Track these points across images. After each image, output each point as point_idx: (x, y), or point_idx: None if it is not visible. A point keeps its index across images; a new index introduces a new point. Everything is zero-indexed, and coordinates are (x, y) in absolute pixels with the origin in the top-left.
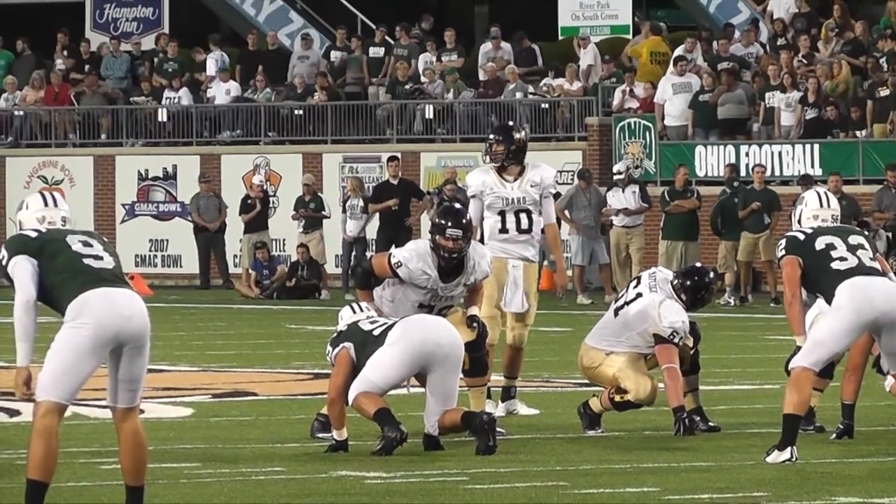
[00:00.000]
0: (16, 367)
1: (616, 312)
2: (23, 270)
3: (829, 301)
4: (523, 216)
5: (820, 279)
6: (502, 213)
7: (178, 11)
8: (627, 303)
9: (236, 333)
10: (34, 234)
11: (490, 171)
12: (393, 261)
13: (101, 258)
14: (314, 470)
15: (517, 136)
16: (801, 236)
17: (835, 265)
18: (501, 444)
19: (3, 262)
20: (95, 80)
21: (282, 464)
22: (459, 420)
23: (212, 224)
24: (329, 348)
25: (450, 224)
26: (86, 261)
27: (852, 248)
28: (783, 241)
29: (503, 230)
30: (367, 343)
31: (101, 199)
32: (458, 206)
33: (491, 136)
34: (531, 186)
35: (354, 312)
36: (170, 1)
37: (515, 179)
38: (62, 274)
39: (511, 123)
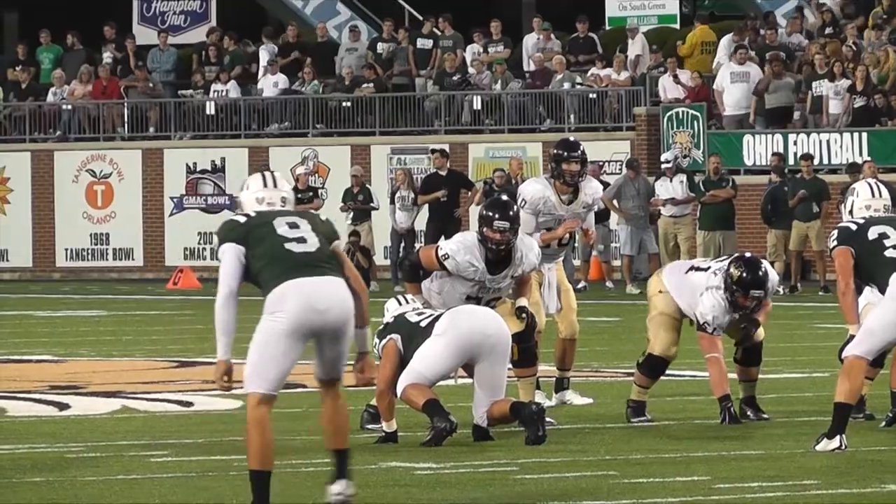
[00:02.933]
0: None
1: (690, 268)
2: (227, 261)
3: (882, 290)
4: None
5: (873, 268)
6: (549, 230)
7: (225, 4)
8: (698, 269)
9: None
10: (242, 220)
11: (550, 187)
12: (440, 253)
13: (304, 241)
14: (364, 461)
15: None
16: (854, 226)
17: (888, 253)
18: (551, 433)
19: (216, 249)
20: (145, 74)
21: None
22: (508, 411)
23: None
24: (376, 340)
25: (497, 216)
26: (287, 245)
27: None
28: (835, 232)
29: (546, 245)
30: (414, 334)
31: (150, 192)
32: (505, 197)
33: (564, 153)
34: (583, 208)
35: (400, 304)
36: None
37: (570, 201)
38: (263, 260)
39: (576, 140)
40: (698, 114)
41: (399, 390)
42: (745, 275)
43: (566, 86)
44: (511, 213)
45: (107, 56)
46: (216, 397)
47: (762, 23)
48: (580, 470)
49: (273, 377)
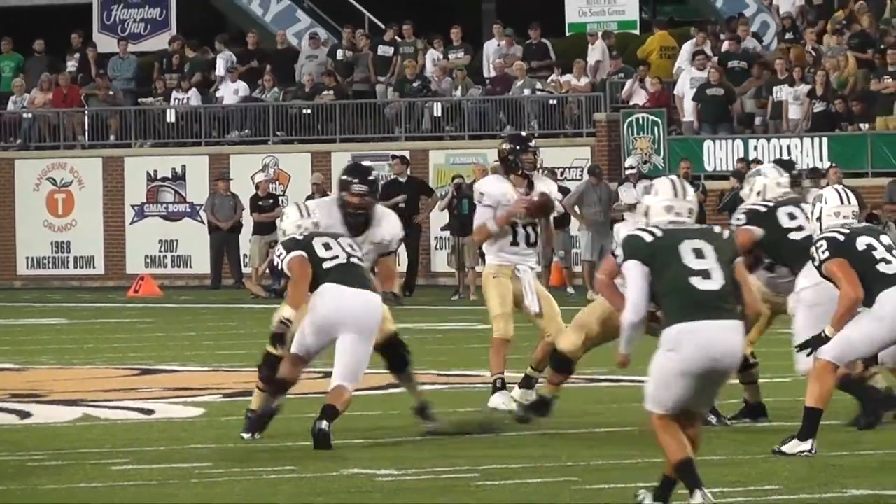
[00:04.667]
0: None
1: None
2: (634, 280)
3: (869, 303)
4: (530, 230)
5: (863, 282)
6: (513, 225)
7: (185, 12)
8: None
9: (247, 333)
10: (649, 239)
11: (506, 180)
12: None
13: (709, 276)
14: (325, 468)
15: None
16: (841, 237)
17: (880, 268)
18: (513, 439)
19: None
20: (106, 82)
21: (293, 462)
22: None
23: (225, 223)
24: (281, 250)
25: (356, 181)
26: (692, 280)
27: (888, 249)
28: (823, 243)
29: (514, 243)
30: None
31: (111, 200)
32: (366, 163)
33: (517, 146)
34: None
35: (301, 215)
36: (177, 2)
37: (526, 194)
38: (665, 287)
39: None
40: (659, 119)
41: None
42: None
43: (526, 92)
44: (370, 177)
45: (71, 64)
46: (177, 405)
47: (723, 27)
48: (541, 476)
49: (670, 405)
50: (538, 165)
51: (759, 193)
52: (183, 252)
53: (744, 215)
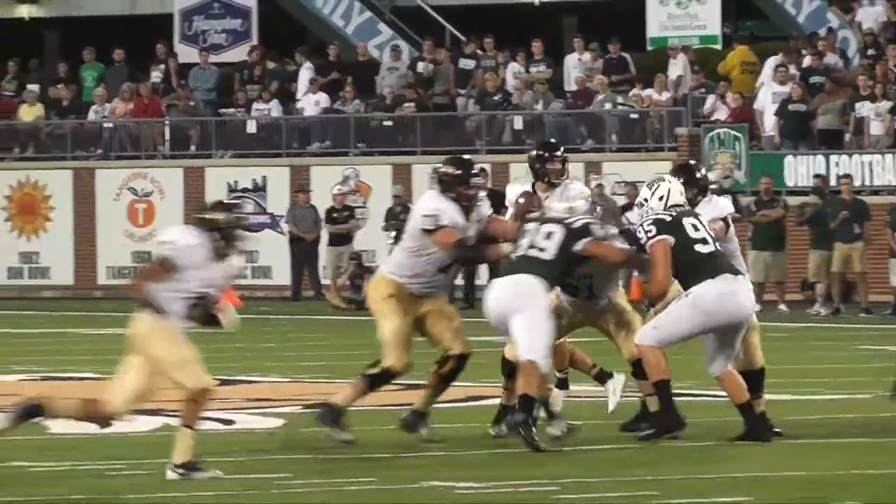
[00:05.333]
0: None
1: None
2: None
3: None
4: None
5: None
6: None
7: (266, 23)
8: None
9: (327, 344)
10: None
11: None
12: (439, 223)
13: None
14: (405, 479)
15: None
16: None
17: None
18: (591, 453)
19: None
20: (187, 92)
21: (373, 474)
22: None
23: (308, 235)
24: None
25: (472, 174)
26: None
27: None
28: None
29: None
30: None
31: (191, 210)
32: (466, 156)
33: (546, 153)
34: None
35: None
36: (259, 13)
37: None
38: None
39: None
40: (740, 135)
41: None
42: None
43: (607, 106)
44: (475, 169)
45: (155, 75)
46: (257, 416)
47: (804, 43)
48: (620, 490)
49: None
50: (566, 175)
51: (661, 199)
52: (263, 263)
53: (653, 226)
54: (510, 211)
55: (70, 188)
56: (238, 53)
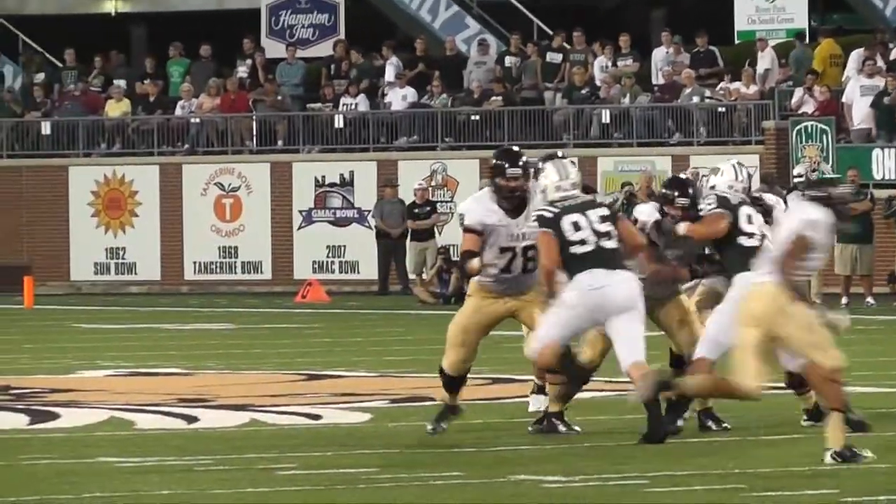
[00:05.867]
0: None
1: None
2: None
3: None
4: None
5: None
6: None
7: (353, 18)
8: None
9: (414, 339)
10: None
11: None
12: (463, 224)
13: None
14: (492, 474)
15: None
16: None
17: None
18: (679, 446)
19: None
20: (274, 87)
21: (460, 468)
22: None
23: (395, 230)
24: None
25: (508, 164)
26: None
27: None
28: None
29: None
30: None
31: (279, 205)
32: (515, 147)
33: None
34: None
35: (560, 177)
36: (346, 8)
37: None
38: None
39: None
40: (827, 127)
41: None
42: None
43: (695, 99)
44: (521, 161)
45: (242, 70)
46: (344, 410)
47: (891, 36)
48: (709, 483)
49: None
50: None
51: (542, 192)
52: (350, 258)
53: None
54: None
55: (156, 184)
56: (325, 48)
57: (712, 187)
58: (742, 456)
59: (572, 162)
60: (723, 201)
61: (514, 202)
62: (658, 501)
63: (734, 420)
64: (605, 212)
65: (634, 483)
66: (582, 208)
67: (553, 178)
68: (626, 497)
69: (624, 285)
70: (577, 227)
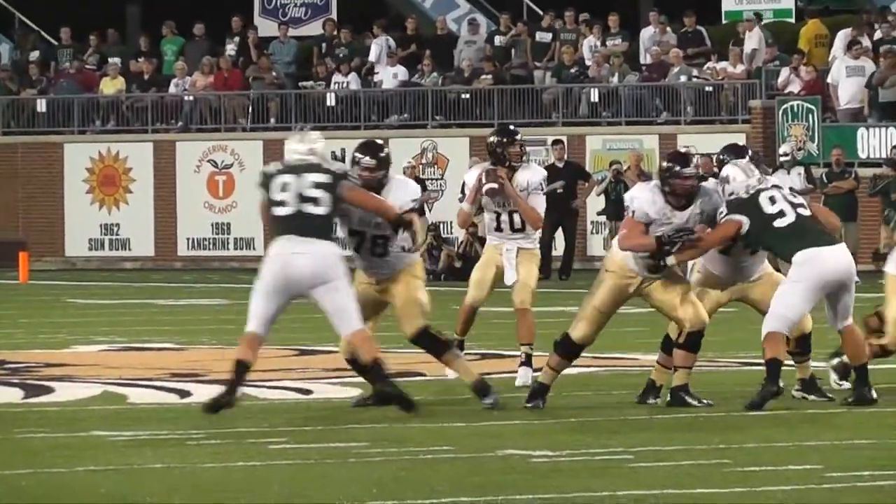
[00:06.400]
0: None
1: None
2: None
3: None
4: (516, 216)
5: None
6: (497, 213)
7: None
8: None
9: None
10: None
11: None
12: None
13: None
14: (481, 448)
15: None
16: None
17: None
18: (665, 422)
19: None
20: (269, 63)
21: (449, 443)
22: None
23: None
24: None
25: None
26: None
27: None
28: None
29: (498, 228)
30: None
31: None
32: (378, 141)
33: (504, 139)
34: (521, 190)
35: (747, 175)
36: None
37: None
38: None
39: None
40: (813, 107)
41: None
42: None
43: (682, 79)
44: (380, 154)
45: (230, 48)
46: (336, 385)
47: (877, 17)
48: (694, 458)
49: None
50: (524, 157)
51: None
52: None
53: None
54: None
55: (150, 161)
56: (317, 27)
57: (731, 194)
58: (727, 430)
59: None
60: (734, 206)
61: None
62: (643, 476)
63: (720, 395)
64: (322, 178)
65: (619, 458)
66: (296, 170)
67: (291, 145)
68: (610, 471)
69: (308, 258)
70: (284, 187)
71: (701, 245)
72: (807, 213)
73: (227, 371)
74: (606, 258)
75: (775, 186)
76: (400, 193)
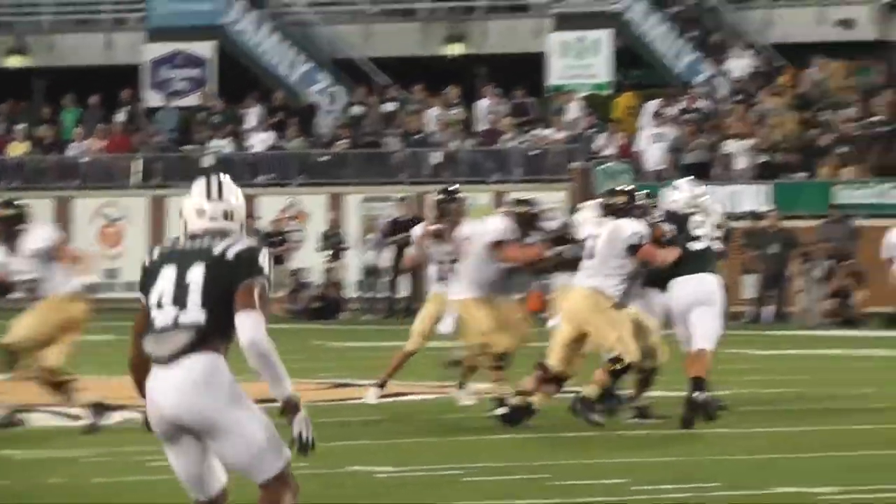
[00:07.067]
0: None
1: None
2: None
3: None
4: (457, 266)
5: None
6: (440, 263)
7: (222, 72)
8: None
9: (280, 350)
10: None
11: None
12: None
13: None
14: (331, 465)
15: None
16: None
17: None
18: (497, 442)
19: None
20: (155, 131)
21: (304, 460)
22: None
23: None
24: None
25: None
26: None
27: None
28: None
29: (442, 278)
30: None
31: (155, 234)
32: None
33: (452, 196)
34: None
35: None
36: (215, 63)
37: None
38: None
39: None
40: (627, 168)
41: None
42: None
43: (512, 143)
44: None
45: (121, 116)
46: None
47: (681, 90)
48: (520, 473)
49: None
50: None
51: None
52: None
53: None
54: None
55: (50, 215)
56: (197, 98)
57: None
58: (548, 450)
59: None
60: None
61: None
62: (471, 491)
63: (542, 420)
64: None
65: (454, 473)
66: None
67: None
68: (445, 486)
69: None
70: None
71: None
72: None
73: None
74: None
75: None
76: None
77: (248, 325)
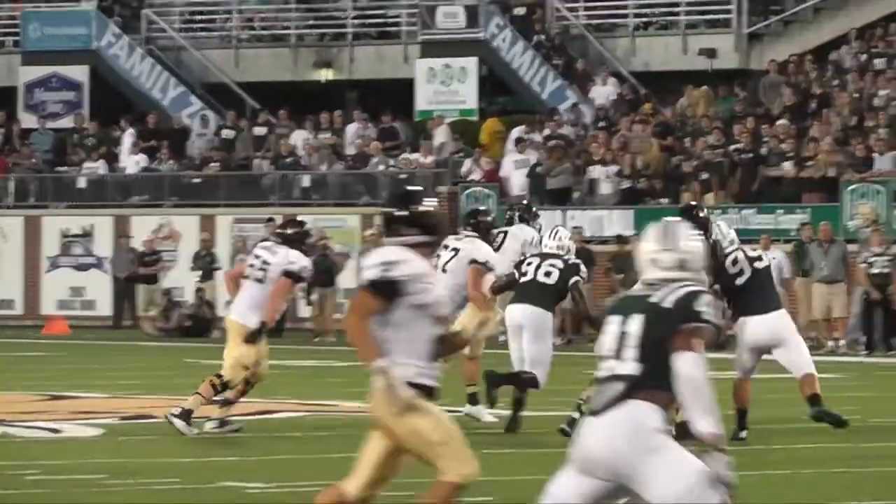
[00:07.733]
0: None
1: None
2: None
3: None
4: None
5: None
6: None
7: (96, 95)
8: None
9: (142, 366)
10: None
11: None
12: None
13: None
14: (203, 480)
15: None
16: None
17: None
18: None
19: None
20: (30, 152)
21: (177, 476)
22: None
23: (121, 274)
24: None
25: None
26: None
27: None
28: None
29: None
30: None
31: (30, 252)
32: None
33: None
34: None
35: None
36: (90, 87)
37: None
38: None
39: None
40: (492, 192)
41: None
42: None
43: (381, 168)
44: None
45: None
46: (81, 426)
47: (546, 117)
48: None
49: None
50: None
51: None
52: (90, 297)
53: None
54: None
55: None
56: (70, 121)
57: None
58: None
59: None
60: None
61: None
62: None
63: None
64: None
65: (308, 491)
66: None
67: None
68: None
69: None
70: None
71: None
72: None
73: None
74: None
75: None
76: None
77: (686, 361)
